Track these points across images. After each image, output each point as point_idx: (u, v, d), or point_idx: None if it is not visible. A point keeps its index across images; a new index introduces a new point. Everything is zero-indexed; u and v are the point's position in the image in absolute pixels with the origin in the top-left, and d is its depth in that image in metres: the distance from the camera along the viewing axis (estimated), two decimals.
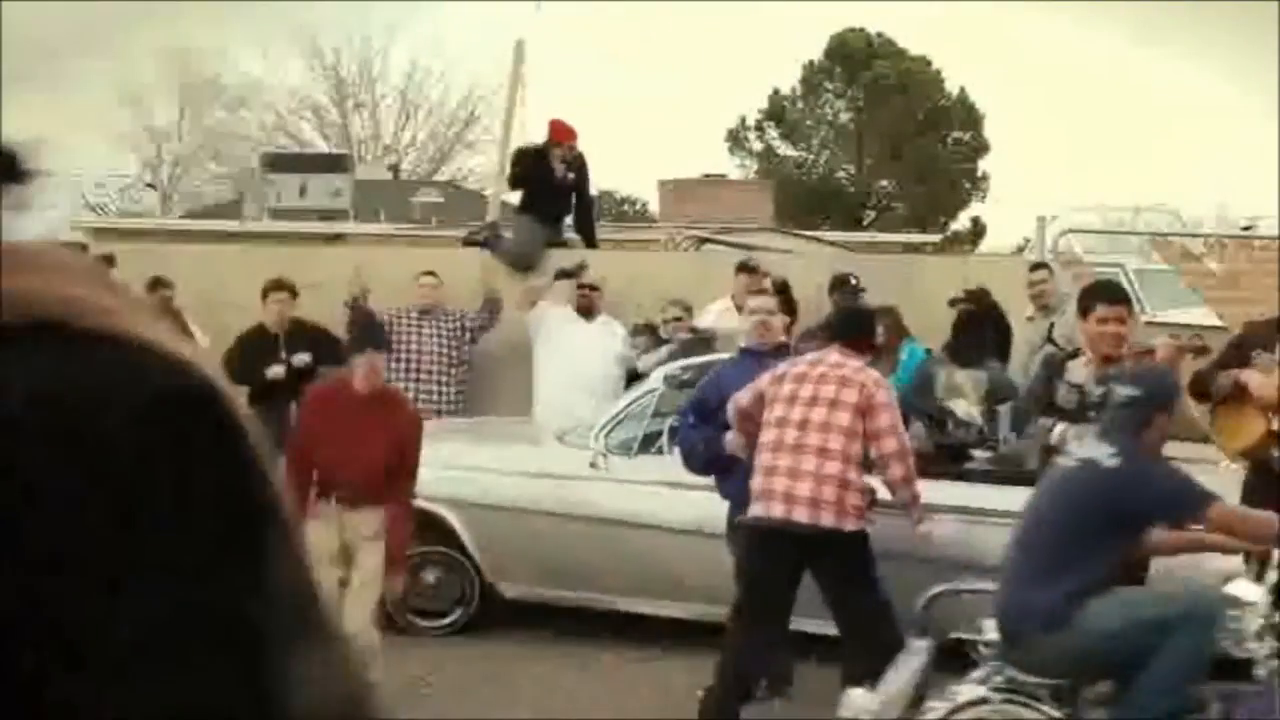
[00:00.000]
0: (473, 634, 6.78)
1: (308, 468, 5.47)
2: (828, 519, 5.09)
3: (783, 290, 8.59)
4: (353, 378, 5.50)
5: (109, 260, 5.96)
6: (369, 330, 5.61)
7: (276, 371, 8.19)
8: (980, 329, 7.89)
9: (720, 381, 5.90)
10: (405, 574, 5.72)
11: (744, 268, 8.89)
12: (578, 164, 9.59)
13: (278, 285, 8.59)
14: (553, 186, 9.52)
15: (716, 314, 8.70)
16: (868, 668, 5.25)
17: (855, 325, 5.65)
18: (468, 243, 10.11)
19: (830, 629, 5.52)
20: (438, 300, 9.00)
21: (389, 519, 5.49)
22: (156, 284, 8.51)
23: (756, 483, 5.24)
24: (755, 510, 5.23)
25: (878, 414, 5.20)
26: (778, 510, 5.14)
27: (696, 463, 5.91)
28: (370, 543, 5.47)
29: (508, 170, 10.11)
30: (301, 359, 8.31)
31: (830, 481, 5.11)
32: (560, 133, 9.56)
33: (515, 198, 10.42)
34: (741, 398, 5.45)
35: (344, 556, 5.47)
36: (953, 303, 8.27)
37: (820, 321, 8.18)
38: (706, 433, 5.78)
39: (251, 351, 8.35)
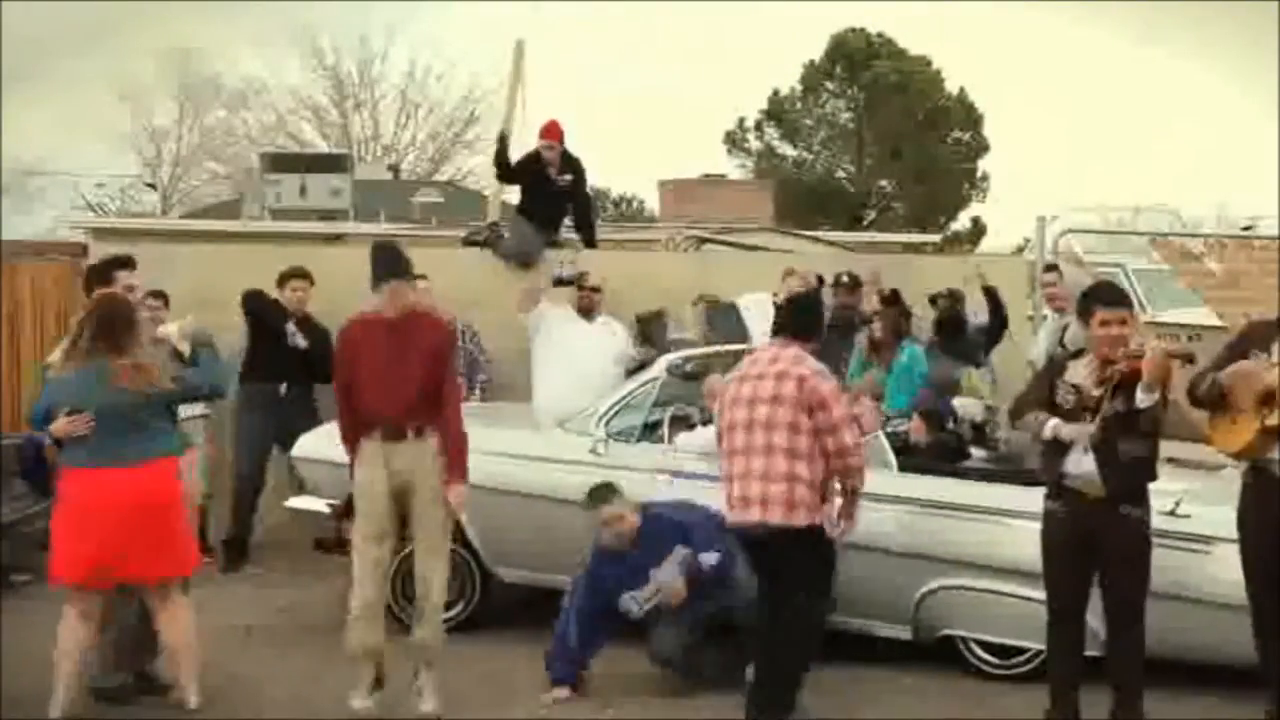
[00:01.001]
0: (472, 634, 6.77)
1: (352, 407, 5.56)
2: (776, 516, 5.16)
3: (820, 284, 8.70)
4: (380, 308, 5.57)
5: (126, 262, 6.00)
6: (389, 260, 5.64)
7: (297, 342, 8.40)
8: (960, 325, 7.95)
9: (595, 585, 6.00)
10: (465, 482, 5.65)
11: (792, 271, 8.96)
12: (573, 166, 9.56)
13: (299, 274, 8.68)
14: (549, 189, 9.49)
15: (754, 303, 8.70)
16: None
17: (783, 318, 5.65)
18: (467, 243, 10.09)
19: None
20: (430, 303, 8.89)
21: (440, 424, 5.52)
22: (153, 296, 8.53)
23: (725, 491, 5.38)
24: (729, 518, 5.39)
25: (829, 408, 5.23)
26: (737, 515, 5.29)
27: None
28: (427, 481, 5.48)
29: (500, 170, 10.04)
30: (299, 340, 8.41)
31: (777, 478, 5.17)
32: (546, 131, 9.48)
33: (514, 199, 10.39)
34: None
35: (397, 501, 5.50)
36: (933, 299, 8.32)
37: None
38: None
39: (266, 311, 8.52)
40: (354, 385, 5.55)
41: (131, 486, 5.33)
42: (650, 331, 8.71)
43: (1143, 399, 5.01)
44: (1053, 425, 5.19)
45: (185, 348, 7.50)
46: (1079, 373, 5.23)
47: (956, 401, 7.30)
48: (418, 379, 5.48)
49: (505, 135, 9.97)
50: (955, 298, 8.44)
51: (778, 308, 6.15)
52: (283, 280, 8.66)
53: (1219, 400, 5.04)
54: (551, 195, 9.51)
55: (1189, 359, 5.07)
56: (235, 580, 8.05)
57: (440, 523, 5.56)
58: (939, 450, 7.02)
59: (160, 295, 8.56)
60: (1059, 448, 5.20)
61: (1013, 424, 5.74)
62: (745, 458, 5.24)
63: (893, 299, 8.43)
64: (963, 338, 7.93)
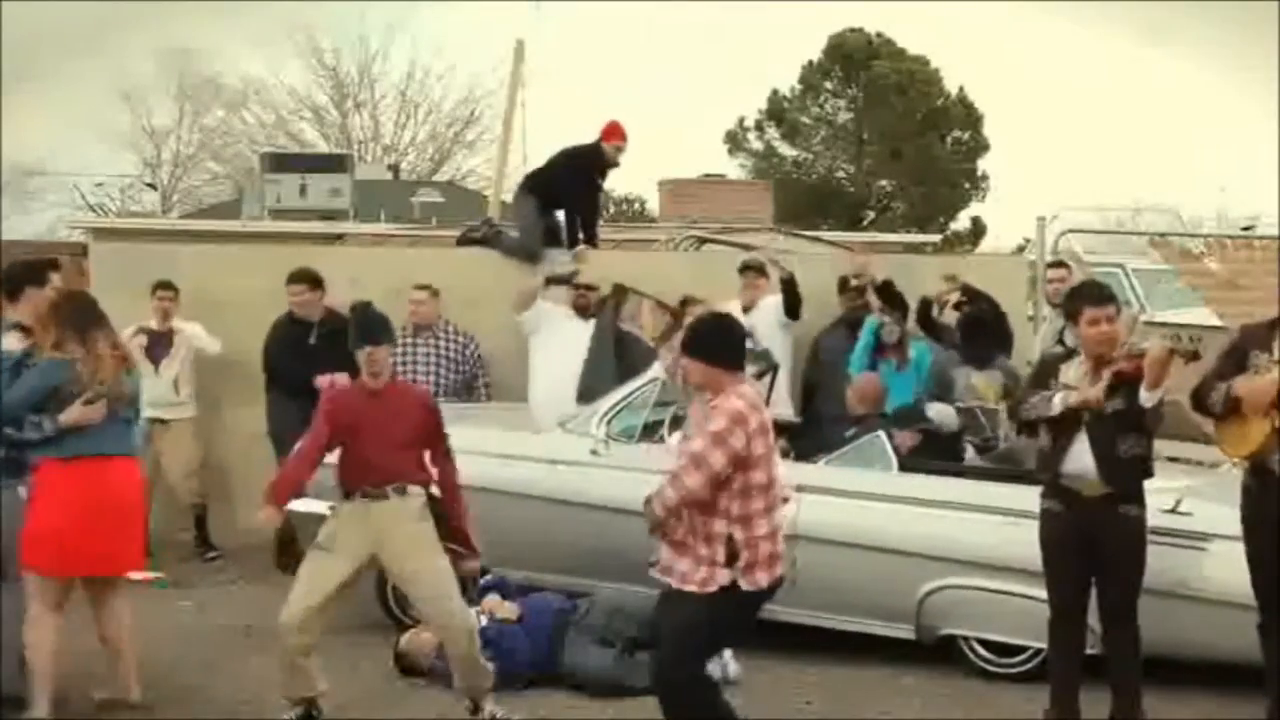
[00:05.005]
0: None
1: (309, 466, 5.46)
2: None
3: (789, 284, 8.60)
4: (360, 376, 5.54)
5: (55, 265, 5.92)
6: (366, 326, 5.60)
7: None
8: (986, 328, 7.91)
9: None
10: (478, 556, 5.68)
11: (747, 268, 8.89)
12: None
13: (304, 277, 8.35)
14: (586, 183, 9.37)
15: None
16: None
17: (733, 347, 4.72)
18: (463, 241, 9.97)
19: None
20: (432, 316, 8.70)
21: (444, 497, 5.53)
22: (159, 287, 8.48)
23: (759, 545, 4.44)
24: (761, 580, 4.47)
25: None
26: (769, 576, 4.50)
27: None
28: (416, 527, 5.40)
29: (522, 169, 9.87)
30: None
31: None
32: (612, 133, 9.30)
33: (510, 196, 10.30)
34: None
35: (370, 559, 5.41)
36: (958, 304, 8.26)
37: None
38: None
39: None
40: (333, 446, 5.45)
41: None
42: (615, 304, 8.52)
43: (1147, 398, 4.98)
44: (1060, 397, 5.10)
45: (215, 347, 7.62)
46: (1071, 374, 5.21)
47: (931, 411, 7.25)
48: (400, 446, 5.41)
49: None
50: (981, 297, 8.34)
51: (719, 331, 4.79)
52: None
53: (1228, 409, 5.02)
54: (572, 183, 9.35)
55: (1194, 356, 5.04)
56: (235, 580, 8.04)
57: (443, 570, 5.44)
58: (934, 451, 7.01)
59: (170, 286, 8.54)
60: (1057, 445, 5.19)
61: (1015, 420, 5.68)
62: (773, 513, 4.47)
63: (886, 290, 8.42)
64: (981, 338, 7.86)
